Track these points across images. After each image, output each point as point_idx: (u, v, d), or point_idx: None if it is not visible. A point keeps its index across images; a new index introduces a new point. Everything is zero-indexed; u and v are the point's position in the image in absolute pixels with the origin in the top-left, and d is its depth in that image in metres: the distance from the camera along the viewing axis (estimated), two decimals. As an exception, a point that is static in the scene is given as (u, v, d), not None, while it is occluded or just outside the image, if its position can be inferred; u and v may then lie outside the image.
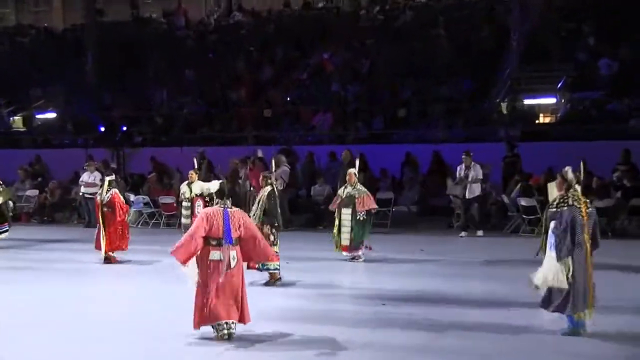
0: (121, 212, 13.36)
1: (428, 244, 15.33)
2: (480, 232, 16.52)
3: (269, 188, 11.07)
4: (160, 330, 8.28)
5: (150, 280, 11.73)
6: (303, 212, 19.39)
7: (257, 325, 8.18)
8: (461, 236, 16.32)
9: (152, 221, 19.62)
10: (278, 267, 10.98)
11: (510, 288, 10.32)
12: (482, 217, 16.88)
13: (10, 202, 16.22)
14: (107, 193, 13.38)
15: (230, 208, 7.67)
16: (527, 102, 21.88)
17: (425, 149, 20.37)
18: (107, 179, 13.67)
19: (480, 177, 16.48)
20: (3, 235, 15.36)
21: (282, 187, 17.99)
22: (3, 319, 8.93)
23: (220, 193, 7.72)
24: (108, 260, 13.27)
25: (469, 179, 16.34)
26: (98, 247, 13.31)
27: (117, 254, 13.37)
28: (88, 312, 9.29)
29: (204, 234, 7.47)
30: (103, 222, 13.26)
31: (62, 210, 21.72)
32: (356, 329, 8.31)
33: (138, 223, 19.21)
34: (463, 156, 16.51)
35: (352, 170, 13.41)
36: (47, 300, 10.09)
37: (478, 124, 21.95)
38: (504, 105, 22.02)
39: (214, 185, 8.05)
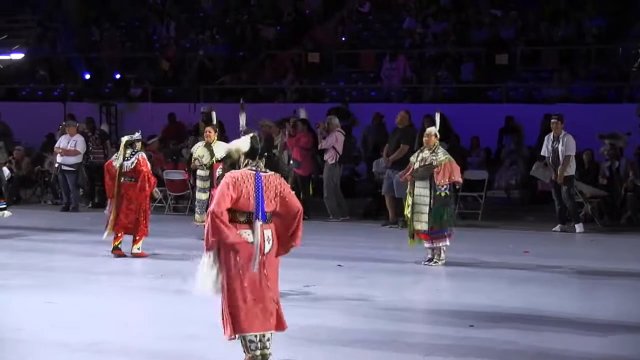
0: (149, 184, 13.57)
1: (535, 243, 15.25)
2: (579, 227, 16.52)
3: None
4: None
5: (158, 289, 11.86)
6: (362, 196, 19.45)
7: (298, 349, 8.23)
8: (555, 230, 16.65)
9: (154, 204, 19.81)
10: None
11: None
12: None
13: (6, 170, 16.39)
14: (130, 158, 13.50)
15: (265, 172, 7.66)
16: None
17: (533, 110, 20.27)
18: (124, 139, 13.74)
19: (572, 152, 16.48)
20: None
21: (333, 161, 18.10)
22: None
23: (251, 151, 7.66)
24: (118, 251, 13.55)
25: (561, 153, 16.42)
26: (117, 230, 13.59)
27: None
28: (84, 337, 9.42)
29: (229, 205, 7.42)
30: (119, 199, 13.46)
31: (30, 186, 22.06)
32: (434, 359, 8.33)
33: (134, 206, 19.41)
34: (553, 121, 16.56)
35: (432, 130, 13.25)
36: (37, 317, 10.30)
37: (610, 76, 21.67)
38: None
39: (245, 143, 7.80)
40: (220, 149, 13.96)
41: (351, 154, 20.17)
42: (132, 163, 13.48)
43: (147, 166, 13.64)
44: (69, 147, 19.80)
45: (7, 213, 15.83)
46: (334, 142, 18.08)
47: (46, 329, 9.32)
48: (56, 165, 20.24)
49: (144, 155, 13.78)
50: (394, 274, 12.64)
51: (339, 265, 12.88)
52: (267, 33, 26.48)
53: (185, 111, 23.39)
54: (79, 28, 28.76)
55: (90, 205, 20.62)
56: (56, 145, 20.16)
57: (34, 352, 8.45)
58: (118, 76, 25.91)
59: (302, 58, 25.25)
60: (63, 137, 20.04)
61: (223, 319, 7.56)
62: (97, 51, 27.51)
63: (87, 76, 25.97)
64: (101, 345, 8.60)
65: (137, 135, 13.84)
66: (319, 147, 18.43)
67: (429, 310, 10.61)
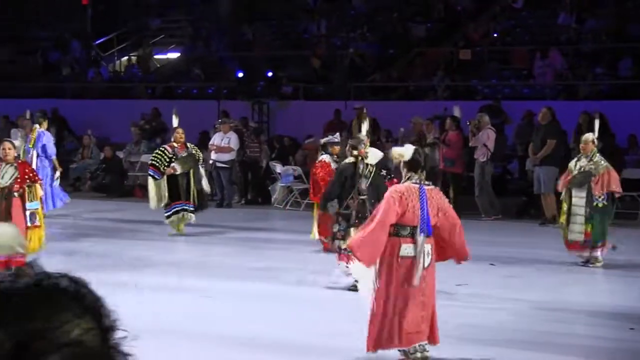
0: (316, 188, 13.45)
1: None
2: None
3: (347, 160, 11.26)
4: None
5: (309, 284, 11.98)
6: (514, 194, 19.24)
7: (449, 347, 8.19)
8: None
9: (305, 201, 19.98)
10: None
11: None
12: None
13: (203, 178, 16.40)
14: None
15: (428, 185, 7.70)
16: None
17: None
18: (322, 140, 13.88)
19: None
20: (171, 218, 15.78)
21: (484, 159, 17.92)
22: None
23: (414, 164, 7.68)
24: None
25: None
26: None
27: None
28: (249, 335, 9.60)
29: (394, 220, 7.48)
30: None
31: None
32: (593, 362, 8.17)
33: (286, 203, 19.66)
34: None
35: (589, 137, 13.02)
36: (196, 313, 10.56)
37: None
38: None
39: (408, 151, 7.81)
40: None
41: (503, 151, 19.94)
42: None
43: (320, 169, 13.31)
44: (223, 144, 20.08)
45: (192, 217, 15.97)
46: (485, 139, 17.90)
47: (201, 321, 9.53)
48: (210, 162, 20.56)
49: (325, 158, 13.35)
50: (549, 274, 12.46)
51: (492, 265, 12.75)
52: (418, 30, 26.42)
53: (337, 109, 23.51)
54: (231, 27, 29.28)
55: (243, 201, 20.89)
56: (210, 142, 20.46)
57: (191, 345, 8.65)
58: (270, 74, 26.22)
59: (454, 55, 25.09)
60: (217, 134, 20.33)
61: (371, 328, 7.66)
62: (249, 50, 27.96)
63: (240, 74, 26.35)
64: (254, 340, 8.74)
65: (330, 137, 13.77)
66: (470, 144, 18.29)
67: (586, 312, 10.40)
